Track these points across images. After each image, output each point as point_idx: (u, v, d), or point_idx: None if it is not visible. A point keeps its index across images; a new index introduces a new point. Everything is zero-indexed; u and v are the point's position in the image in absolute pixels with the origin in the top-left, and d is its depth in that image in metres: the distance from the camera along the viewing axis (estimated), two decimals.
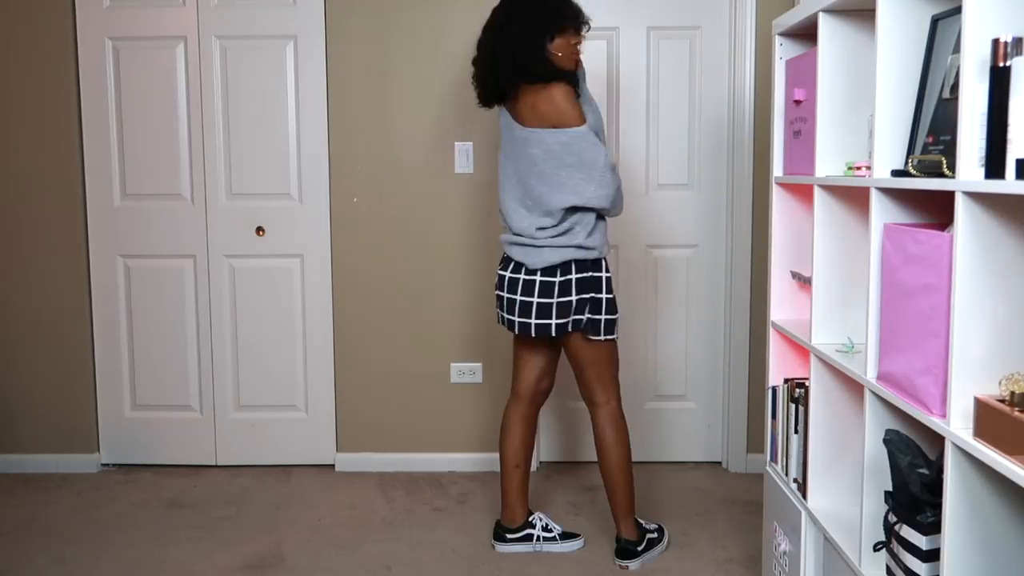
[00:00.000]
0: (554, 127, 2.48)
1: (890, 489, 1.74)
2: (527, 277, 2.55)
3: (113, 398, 3.53)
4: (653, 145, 3.42)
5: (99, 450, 3.55)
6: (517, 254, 2.58)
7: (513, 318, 2.59)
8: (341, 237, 3.44)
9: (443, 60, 3.35)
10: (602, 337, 2.58)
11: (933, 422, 1.51)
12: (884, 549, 1.75)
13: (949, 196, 1.43)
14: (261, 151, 3.41)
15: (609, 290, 2.58)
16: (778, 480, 2.32)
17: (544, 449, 3.55)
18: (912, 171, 1.61)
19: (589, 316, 2.56)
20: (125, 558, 2.76)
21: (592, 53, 3.37)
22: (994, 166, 1.30)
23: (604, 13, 3.35)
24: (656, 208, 3.45)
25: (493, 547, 2.80)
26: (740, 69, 3.33)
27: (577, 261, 2.54)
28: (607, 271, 2.60)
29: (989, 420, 1.35)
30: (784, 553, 2.25)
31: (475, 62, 2.59)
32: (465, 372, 3.48)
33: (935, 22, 1.69)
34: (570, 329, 2.57)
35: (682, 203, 3.45)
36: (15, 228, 3.44)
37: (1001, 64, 1.29)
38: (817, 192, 2.02)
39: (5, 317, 3.48)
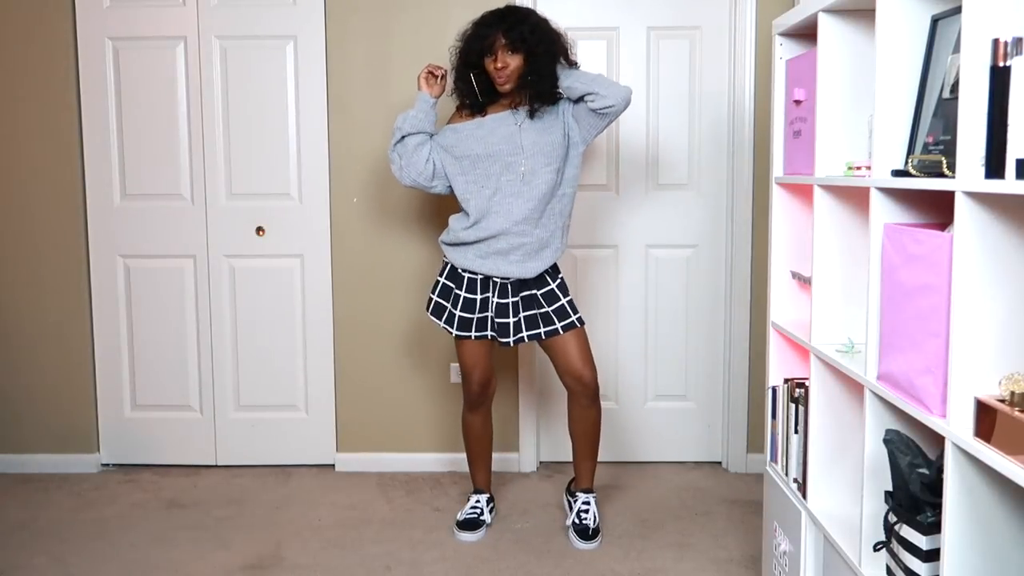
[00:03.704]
0: None
1: (890, 489, 1.74)
2: None
3: (113, 398, 3.53)
4: (653, 145, 3.42)
5: (99, 450, 3.55)
6: None
7: None
8: (341, 237, 3.44)
9: (443, 60, 3.34)
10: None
11: (933, 422, 1.51)
12: (884, 549, 1.75)
13: (949, 196, 1.44)
14: (261, 151, 3.41)
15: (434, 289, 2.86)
16: (778, 480, 2.32)
17: (544, 449, 3.55)
18: (912, 171, 1.61)
19: None
20: (125, 558, 2.76)
21: (592, 53, 3.37)
22: (994, 166, 1.29)
23: (604, 13, 3.35)
24: (656, 208, 3.45)
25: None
26: (740, 69, 3.33)
27: None
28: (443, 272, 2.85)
29: (989, 420, 1.35)
30: (784, 553, 2.25)
31: None
32: None
33: (935, 22, 1.69)
34: None
35: (682, 203, 3.45)
36: (15, 228, 3.44)
37: (1001, 64, 1.29)
38: (817, 192, 2.02)
39: (5, 317, 3.48)
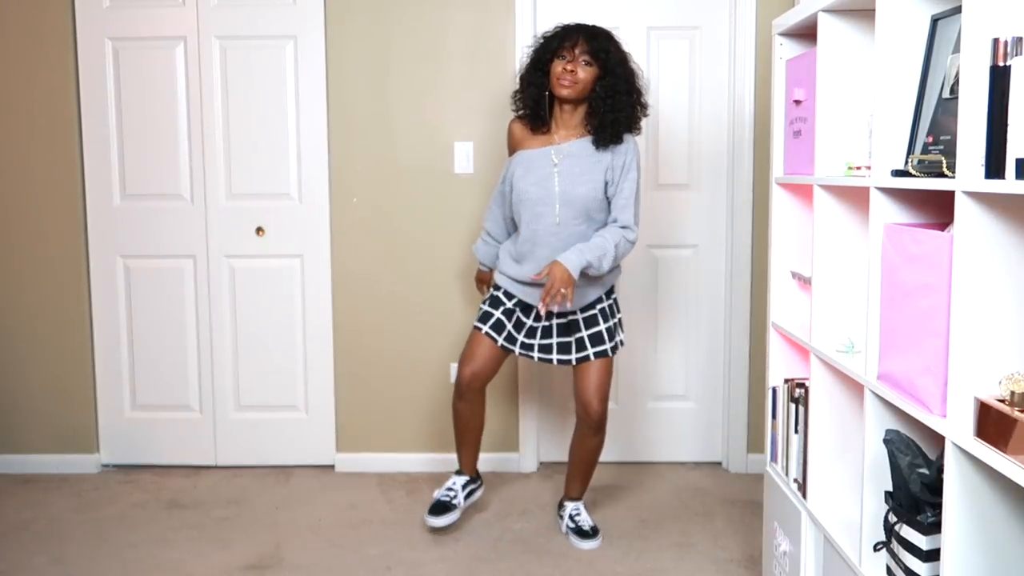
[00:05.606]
0: None
1: (890, 489, 1.74)
2: None
3: (113, 398, 3.53)
4: (653, 145, 3.42)
5: (99, 450, 3.55)
6: None
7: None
8: (341, 237, 3.44)
9: (443, 60, 3.35)
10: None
11: (933, 422, 1.51)
12: (884, 549, 1.75)
13: (949, 196, 1.44)
14: (261, 151, 3.41)
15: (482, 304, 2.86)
16: (778, 480, 2.32)
17: (544, 449, 3.55)
18: (912, 171, 1.61)
19: None
20: (125, 558, 2.76)
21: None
22: (994, 166, 1.29)
23: (604, 13, 3.35)
24: (656, 208, 3.44)
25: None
26: (740, 69, 3.33)
27: None
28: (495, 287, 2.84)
29: (989, 420, 1.35)
30: (784, 553, 2.25)
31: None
32: None
33: (935, 22, 1.69)
34: None
35: (682, 203, 3.45)
36: (15, 228, 3.44)
37: (1001, 64, 1.29)
38: (817, 192, 2.02)
39: (5, 317, 3.48)
